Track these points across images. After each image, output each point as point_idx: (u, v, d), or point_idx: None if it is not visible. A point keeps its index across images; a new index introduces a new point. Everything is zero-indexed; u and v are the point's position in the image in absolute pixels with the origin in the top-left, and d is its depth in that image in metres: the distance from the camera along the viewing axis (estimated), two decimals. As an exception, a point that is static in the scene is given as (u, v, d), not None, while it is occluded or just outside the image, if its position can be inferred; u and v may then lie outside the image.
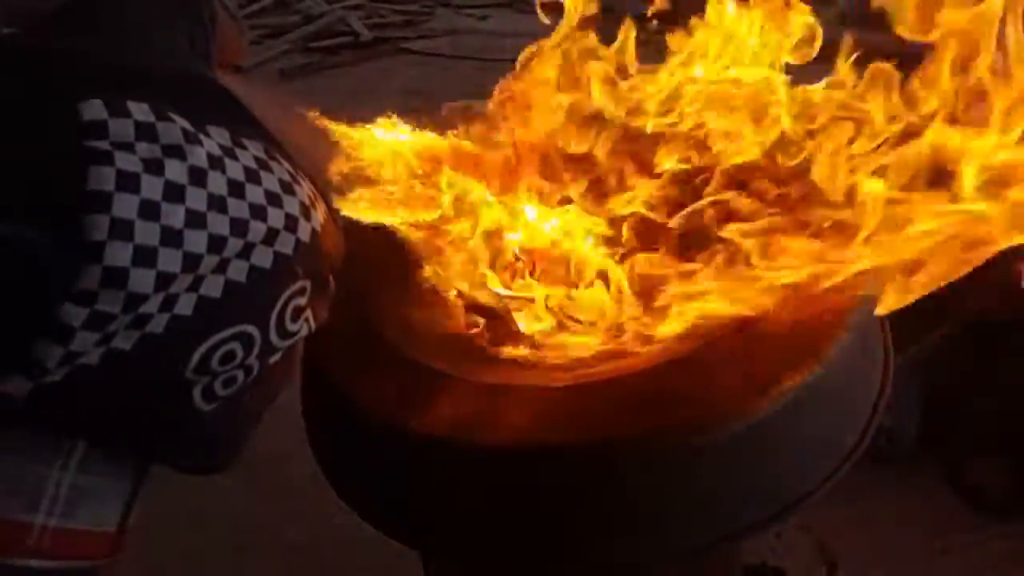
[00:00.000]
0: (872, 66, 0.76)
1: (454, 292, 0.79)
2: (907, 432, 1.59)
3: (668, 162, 0.81)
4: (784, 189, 0.78)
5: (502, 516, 0.68)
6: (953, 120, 0.72)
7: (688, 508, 0.66)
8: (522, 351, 0.75)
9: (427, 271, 0.80)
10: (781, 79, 0.80)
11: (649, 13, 0.92)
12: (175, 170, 0.48)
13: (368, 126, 0.80)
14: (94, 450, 0.52)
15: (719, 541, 0.68)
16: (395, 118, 0.81)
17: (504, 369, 0.74)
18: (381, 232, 0.78)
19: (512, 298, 0.77)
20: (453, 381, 0.71)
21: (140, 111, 0.48)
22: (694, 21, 0.85)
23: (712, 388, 0.66)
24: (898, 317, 0.79)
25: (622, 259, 0.79)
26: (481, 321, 0.77)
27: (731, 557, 0.94)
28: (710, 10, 0.84)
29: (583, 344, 0.74)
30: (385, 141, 0.80)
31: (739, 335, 0.69)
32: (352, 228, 0.67)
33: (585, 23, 0.88)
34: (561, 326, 0.76)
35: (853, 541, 1.51)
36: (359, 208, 0.74)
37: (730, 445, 0.64)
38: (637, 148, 0.84)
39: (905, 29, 0.72)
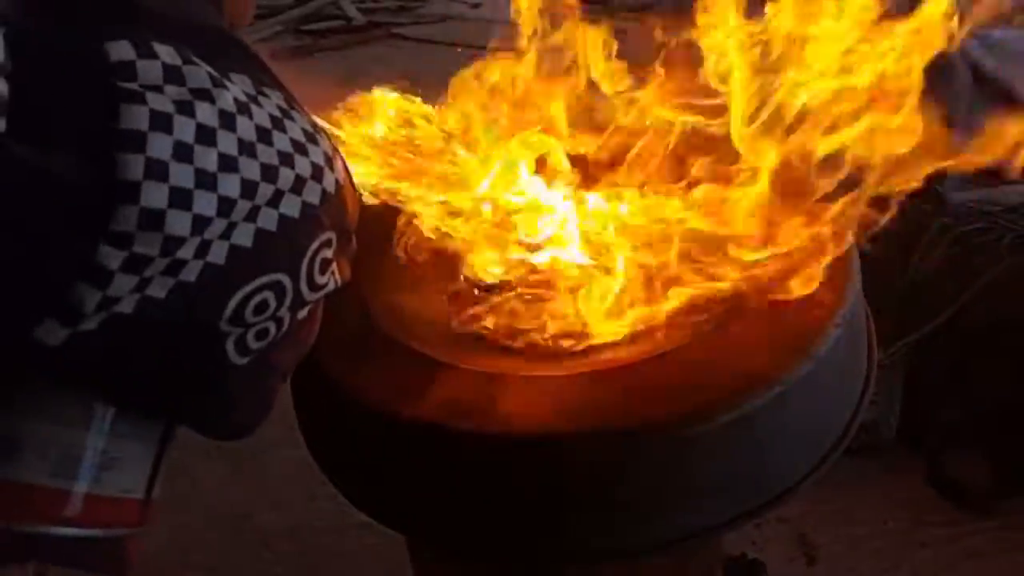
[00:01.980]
0: None
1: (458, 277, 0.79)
2: (887, 426, 1.61)
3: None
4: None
5: (492, 504, 0.69)
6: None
7: (676, 499, 0.67)
8: (518, 340, 0.75)
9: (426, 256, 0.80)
10: None
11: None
12: (205, 113, 0.47)
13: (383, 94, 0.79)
14: (122, 414, 0.51)
15: (706, 532, 0.68)
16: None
17: (498, 358, 0.74)
18: (376, 216, 0.78)
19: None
20: (447, 369, 0.71)
21: (167, 53, 0.47)
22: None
23: (703, 381, 0.67)
24: (882, 313, 0.80)
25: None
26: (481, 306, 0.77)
27: (714, 548, 0.95)
28: None
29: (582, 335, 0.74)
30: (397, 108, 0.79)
31: (730, 329, 0.70)
32: None
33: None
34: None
35: (832, 533, 1.52)
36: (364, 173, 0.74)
37: (719, 437, 0.65)
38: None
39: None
